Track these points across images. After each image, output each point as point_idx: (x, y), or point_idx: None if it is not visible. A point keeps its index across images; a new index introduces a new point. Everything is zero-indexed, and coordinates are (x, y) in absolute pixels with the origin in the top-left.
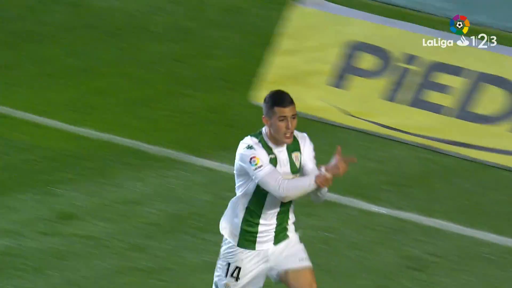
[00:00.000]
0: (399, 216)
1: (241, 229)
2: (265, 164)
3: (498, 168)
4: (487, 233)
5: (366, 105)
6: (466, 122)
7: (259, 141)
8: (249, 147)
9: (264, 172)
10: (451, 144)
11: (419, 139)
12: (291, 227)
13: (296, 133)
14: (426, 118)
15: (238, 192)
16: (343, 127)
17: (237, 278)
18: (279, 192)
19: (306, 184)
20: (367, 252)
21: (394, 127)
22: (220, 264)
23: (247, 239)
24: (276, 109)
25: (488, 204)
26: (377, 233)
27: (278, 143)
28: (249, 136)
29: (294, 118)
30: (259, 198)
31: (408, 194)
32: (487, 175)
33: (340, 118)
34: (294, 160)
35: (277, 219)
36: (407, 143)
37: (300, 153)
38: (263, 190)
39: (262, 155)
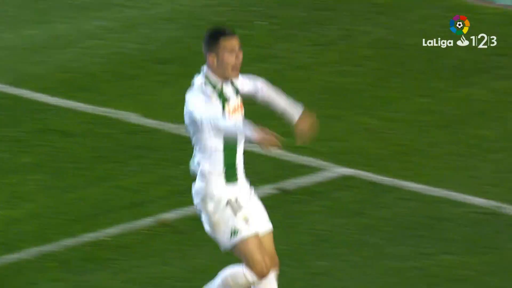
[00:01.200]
0: None
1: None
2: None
3: None
4: None
5: None
6: None
7: (206, 83)
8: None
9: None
10: None
11: None
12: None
13: None
14: None
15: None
16: None
17: (240, 207)
18: None
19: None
20: None
21: None
22: (223, 216)
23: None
24: (223, 41)
25: None
26: None
27: (224, 78)
28: (197, 77)
29: (240, 50)
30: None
31: None
32: None
33: None
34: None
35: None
36: None
37: (234, 84)
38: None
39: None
